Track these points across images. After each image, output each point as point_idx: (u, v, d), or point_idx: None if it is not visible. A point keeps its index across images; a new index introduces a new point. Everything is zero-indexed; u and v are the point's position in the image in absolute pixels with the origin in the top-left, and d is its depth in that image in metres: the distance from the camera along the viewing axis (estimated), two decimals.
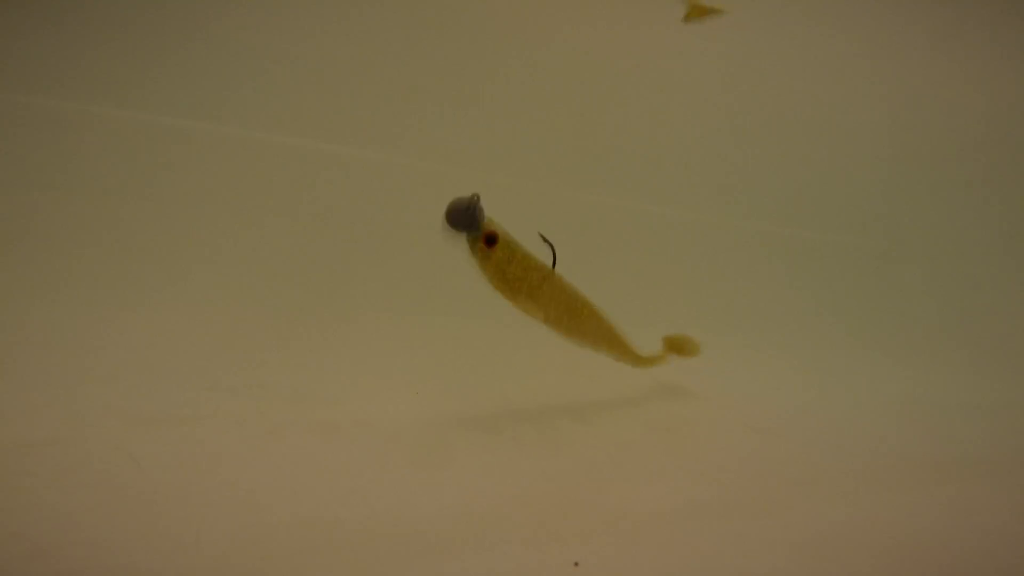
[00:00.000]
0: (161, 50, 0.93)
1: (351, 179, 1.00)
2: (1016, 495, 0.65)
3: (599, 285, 1.05)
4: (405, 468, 0.61)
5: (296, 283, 0.93)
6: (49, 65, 0.88)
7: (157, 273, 0.88)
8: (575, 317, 0.72)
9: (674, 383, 0.92)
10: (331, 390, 0.78)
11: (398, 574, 0.44)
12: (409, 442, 0.67)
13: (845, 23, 1.23)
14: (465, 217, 0.63)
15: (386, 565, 0.45)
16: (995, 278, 1.24)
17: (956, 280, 1.24)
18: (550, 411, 0.79)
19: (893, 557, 0.50)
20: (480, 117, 1.08)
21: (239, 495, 0.53)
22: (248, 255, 0.93)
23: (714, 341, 0.87)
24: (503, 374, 0.85)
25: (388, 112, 1.02)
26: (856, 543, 0.52)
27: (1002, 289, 1.23)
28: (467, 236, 0.66)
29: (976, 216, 1.28)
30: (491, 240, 0.64)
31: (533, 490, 0.58)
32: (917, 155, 1.28)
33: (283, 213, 0.96)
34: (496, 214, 1.06)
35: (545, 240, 0.69)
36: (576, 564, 0.45)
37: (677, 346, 0.85)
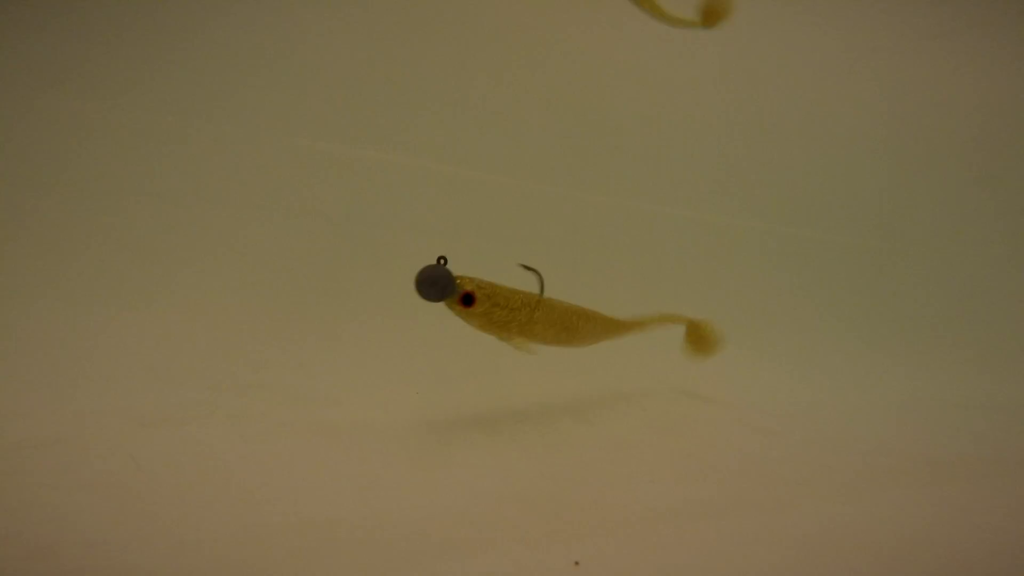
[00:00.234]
0: (161, 50, 0.93)
1: (351, 179, 1.00)
2: (1015, 495, 0.65)
3: (599, 285, 1.05)
4: (405, 468, 0.61)
5: (296, 283, 0.93)
6: (49, 65, 0.88)
7: (157, 273, 0.88)
8: (571, 330, 0.72)
9: (674, 383, 0.92)
10: (331, 390, 0.78)
11: (398, 574, 0.44)
12: (409, 442, 0.67)
13: (845, 23, 1.24)
14: (435, 290, 0.61)
15: (386, 565, 0.45)
16: (995, 278, 1.24)
17: (956, 280, 1.25)
18: (550, 411, 0.79)
19: (893, 555, 0.50)
20: (480, 117, 1.08)
21: (239, 495, 0.53)
22: (248, 256, 0.93)
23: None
24: (503, 374, 0.85)
25: (388, 112, 1.02)
26: (856, 542, 0.52)
27: (1002, 289, 1.23)
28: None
29: (976, 216, 1.28)
30: (468, 300, 0.63)
31: (533, 490, 0.58)
32: (917, 155, 1.28)
33: (283, 213, 0.96)
34: (496, 214, 1.07)
35: (528, 268, 0.68)
36: (576, 564, 0.45)
37: (697, 332, 0.86)
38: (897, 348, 1.14)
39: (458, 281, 0.63)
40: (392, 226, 1.00)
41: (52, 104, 0.88)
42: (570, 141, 1.13)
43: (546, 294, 0.69)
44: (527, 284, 0.68)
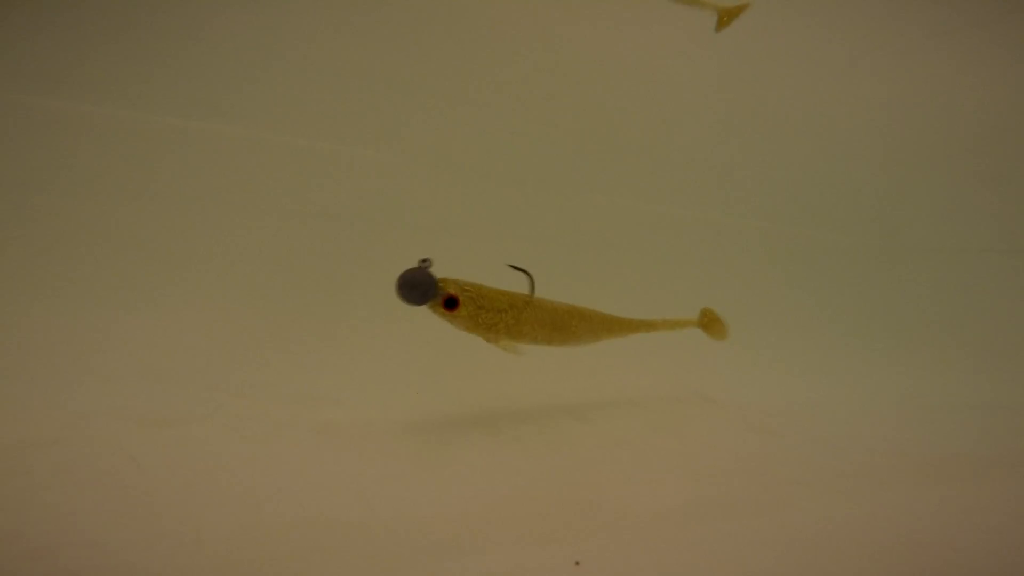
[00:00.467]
0: (161, 50, 0.93)
1: (351, 179, 1.00)
2: (1015, 495, 0.65)
3: (599, 285, 1.05)
4: (405, 468, 0.61)
5: (296, 283, 0.93)
6: (49, 65, 0.88)
7: (157, 274, 0.88)
8: (563, 329, 0.71)
9: (674, 383, 0.92)
10: (331, 390, 0.78)
11: (398, 574, 0.44)
12: (409, 442, 0.67)
13: (845, 23, 1.23)
14: (416, 294, 0.60)
15: (386, 565, 0.45)
16: (995, 278, 1.24)
17: (956, 280, 1.24)
18: (550, 411, 0.79)
19: (892, 556, 0.50)
20: (480, 117, 1.07)
21: (239, 495, 0.53)
22: (248, 256, 0.93)
23: (714, 340, 0.87)
24: (503, 374, 0.85)
25: (388, 112, 1.02)
26: (855, 542, 0.52)
27: (1002, 289, 1.23)
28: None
29: (976, 216, 1.28)
30: (451, 304, 0.62)
31: (533, 490, 0.58)
32: (917, 155, 1.28)
33: (283, 213, 0.96)
34: (496, 214, 1.07)
35: (518, 269, 0.67)
36: (577, 563, 0.45)
37: (709, 321, 0.86)
38: (897, 348, 1.14)
39: (441, 284, 0.62)
40: (392, 226, 1.00)
41: (52, 104, 0.88)
42: (570, 141, 1.13)
43: (543, 294, 0.68)
44: (522, 285, 0.68)
